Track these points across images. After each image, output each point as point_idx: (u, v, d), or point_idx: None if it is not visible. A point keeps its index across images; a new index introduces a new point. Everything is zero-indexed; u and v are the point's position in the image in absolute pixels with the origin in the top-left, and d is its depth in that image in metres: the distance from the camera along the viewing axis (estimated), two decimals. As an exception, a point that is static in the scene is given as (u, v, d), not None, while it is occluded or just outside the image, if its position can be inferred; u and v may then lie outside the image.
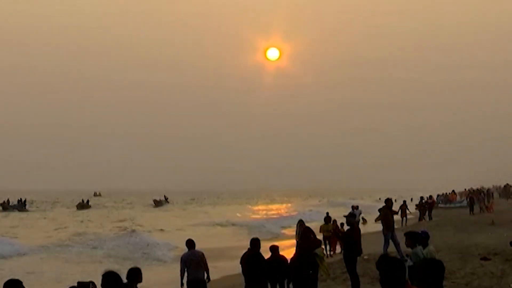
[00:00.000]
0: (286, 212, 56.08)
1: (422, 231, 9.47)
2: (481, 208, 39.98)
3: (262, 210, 66.89)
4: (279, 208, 70.88)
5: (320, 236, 19.12)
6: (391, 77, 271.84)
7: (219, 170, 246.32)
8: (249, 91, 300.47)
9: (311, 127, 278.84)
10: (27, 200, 70.19)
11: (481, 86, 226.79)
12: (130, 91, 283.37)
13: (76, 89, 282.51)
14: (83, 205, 71.35)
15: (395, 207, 18.95)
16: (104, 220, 47.61)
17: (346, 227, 14.48)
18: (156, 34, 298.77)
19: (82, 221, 46.87)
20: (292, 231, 23.43)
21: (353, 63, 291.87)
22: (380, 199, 65.24)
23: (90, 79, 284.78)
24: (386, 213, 15.92)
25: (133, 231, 30.93)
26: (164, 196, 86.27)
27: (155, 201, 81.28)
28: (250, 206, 78.93)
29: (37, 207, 74.75)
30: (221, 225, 40.14)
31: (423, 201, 37.02)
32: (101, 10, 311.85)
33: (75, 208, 69.52)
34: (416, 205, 38.65)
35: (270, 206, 78.90)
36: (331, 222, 19.45)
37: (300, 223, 15.29)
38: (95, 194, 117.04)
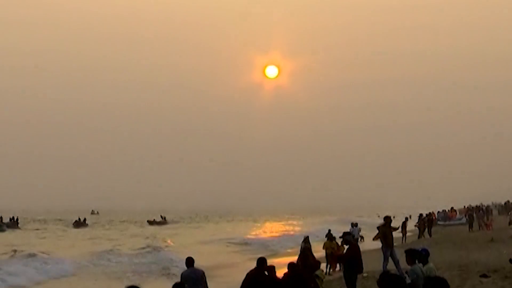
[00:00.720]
0: (296, 230, 55.75)
1: (422, 249, 9.54)
2: (480, 225, 40.01)
3: (271, 228, 66.92)
4: (289, 226, 70.74)
5: (321, 253, 19.26)
6: (390, 96, 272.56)
7: (218, 189, 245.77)
8: (248, 108, 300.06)
9: (312, 146, 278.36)
10: (19, 218, 69.10)
11: (482, 104, 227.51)
12: (129, 110, 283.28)
13: (72, 108, 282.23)
14: (79, 223, 70.75)
15: (396, 224, 18.94)
16: (121, 237, 47.67)
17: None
18: (153, 54, 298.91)
19: (91, 238, 46.63)
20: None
21: (353, 82, 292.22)
22: (379, 216, 65.37)
23: (86, 99, 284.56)
24: (384, 231, 16.00)
25: (157, 248, 31.33)
26: (161, 215, 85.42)
27: (149, 221, 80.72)
28: (258, 224, 79.00)
29: (30, 225, 73.81)
30: (233, 243, 39.69)
31: (423, 218, 37.05)
32: (98, 28, 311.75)
33: (71, 226, 68.91)
34: (418, 222, 38.72)
35: (279, 224, 78.75)
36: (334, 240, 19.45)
37: (305, 239, 15.25)
38: (92, 213, 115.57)
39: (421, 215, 38.00)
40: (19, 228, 63.86)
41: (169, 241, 38.57)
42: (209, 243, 39.29)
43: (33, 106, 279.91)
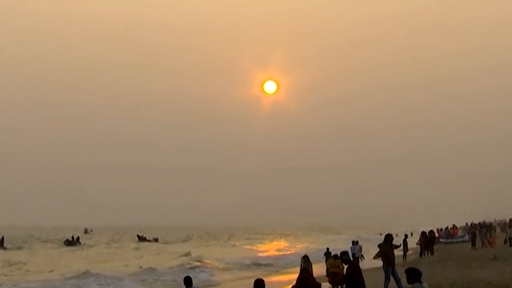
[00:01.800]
0: (306, 248, 55.38)
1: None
2: (483, 243, 39.84)
3: (278, 246, 66.64)
4: (299, 243, 70.49)
5: (319, 272, 19.07)
6: (390, 111, 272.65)
7: (216, 205, 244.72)
8: (245, 124, 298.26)
9: (310, 162, 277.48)
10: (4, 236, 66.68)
11: (485, 118, 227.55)
12: (124, 124, 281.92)
13: (63, 121, 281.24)
14: (71, 242, 69.39)
15: (398, 242, 18.81)
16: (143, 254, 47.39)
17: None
18: (150, 71, 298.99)
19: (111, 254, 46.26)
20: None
21: (352, 97, 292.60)
22: (381, 234, 65.24)
23: (81, 110, 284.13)
24: (385, 249, 15.90)
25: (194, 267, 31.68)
26: (153, 238, 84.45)
27: (139, 237, 79.93)
28: (267, 242, 78.73)
29: (15, 243, 71.12)
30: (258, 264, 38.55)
31: (425, 236, 36.87)
32: (94, 51, 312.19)
33: (62, 245, 67.68)
34: (419, 240, 38.51)
35: (282, 241, 78.47)
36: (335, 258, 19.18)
37: (305, 258, 14.99)
38: (86, 231, 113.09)
39: (423, 232, 37.83)
40: (4, 248, 61.20)
41: (207, 261, 38.12)
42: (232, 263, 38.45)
43: (26, 118, 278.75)
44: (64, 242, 70.01)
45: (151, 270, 30.68)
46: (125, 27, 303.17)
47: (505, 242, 37.94)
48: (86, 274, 27.78)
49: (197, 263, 35.22)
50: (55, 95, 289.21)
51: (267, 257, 45.08)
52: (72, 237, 72.12)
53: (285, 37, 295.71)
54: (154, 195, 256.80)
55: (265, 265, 37.16)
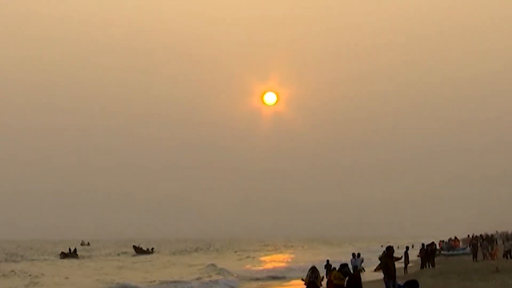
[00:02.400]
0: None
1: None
2: (484, 255, 39.73)
3: (283, 258, 66.50)
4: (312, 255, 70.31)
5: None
6: (391, 123, 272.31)
7: (216, 218, 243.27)
8: (245, 136, 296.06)
9: (312, 174, 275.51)
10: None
11: (489, 131, 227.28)
12: (122, 138, 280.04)
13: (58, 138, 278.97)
14: (67, 255, 68.49)
15: (399, 254, 18.76)
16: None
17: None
18: (148, 81, 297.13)
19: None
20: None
21: (355, 106, 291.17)
22: (382, 246, 65.08)
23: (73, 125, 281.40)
24: (386, 262, 15.90)
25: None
26: (147, 249, 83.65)
27: (136, 248, 79.44)
28: (272, 254, 78.60)
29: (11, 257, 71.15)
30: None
31: (426, 248, 36.80)
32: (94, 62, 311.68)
33: (56, 259, 66.71)
34: (420, 252, 38.43)
35: (286, 254, 78.19)
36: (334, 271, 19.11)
37: (312, 269, 14.85)
38: (82, 244, 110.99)
39: (423, 245, 37.77)
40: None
41: (233, 274, 38.06)
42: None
43: (20, 133, 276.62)
44: (60, 255, 68.93)
45: (180, 283, 30.65)
46: (123, 33, 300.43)
47: (504, 255, 37.91)
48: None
49: (227, 276, 35.13)
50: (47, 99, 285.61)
51: (288, 268, 45.43)
52: (69, 249, 71.49)
53: (284, 47, 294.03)
54: (149, 207, 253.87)
55: (290, 277, 37.27)
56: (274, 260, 62.46)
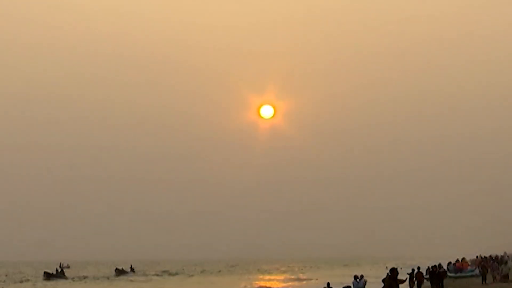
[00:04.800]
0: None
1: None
2: (494, 277, 39.30)
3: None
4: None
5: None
6: (393, 137, 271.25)
7: (210, 238, 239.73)
8: (240, 151, 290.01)
9: (312, 189, 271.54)
10: None
11: (498, 149, 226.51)
12: (115, 152, 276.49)
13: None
14: (51, 275, 66.86)
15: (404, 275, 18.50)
16: None
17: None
18: (143, 93, 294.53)
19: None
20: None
21: (353, 118, 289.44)
22: (387, 267, 64.65)
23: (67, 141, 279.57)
24: (390, 284, 15.68)
25: None
26: (131, 266, 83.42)
27: (117, 270, 78.62)
28: (269, 275, 77.97)
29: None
30: None
31: (432, 270, 36.33)
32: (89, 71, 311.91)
33: (39, 280, 65.66)
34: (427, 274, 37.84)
35: (290, 276, 77.49)
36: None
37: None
38: (61, 267, 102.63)
39: (431, 267, 37.22)
40: None
41: None
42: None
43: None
44: (44, 276, 67.17)
45: None
46: (115, 45, 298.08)
47: (504, 278, 37.66)
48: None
49: None
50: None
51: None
52: (56, 269, 70.26)
53: (283, 56, 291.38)
54: (136, 224, 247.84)
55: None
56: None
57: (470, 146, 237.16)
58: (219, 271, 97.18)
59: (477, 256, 66.61)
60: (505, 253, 79.19)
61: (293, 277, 73.20)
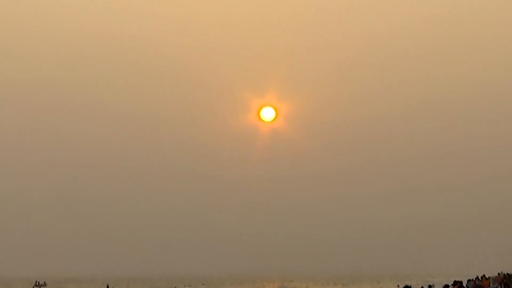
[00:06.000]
0: None
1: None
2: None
3: None
4: None
5: None
6: (399, 144, 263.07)
7: (213, 246, 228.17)
8: (238, 157, 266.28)
9: (313, 197, 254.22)
10: None
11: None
12: (110, 162, 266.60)
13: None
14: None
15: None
16: None
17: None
18: (140, 95, 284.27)
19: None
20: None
21: (365, 123, 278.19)
22: (398, 286, 62.92)
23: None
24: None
25: None
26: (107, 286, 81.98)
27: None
28: None
29: None
30: None
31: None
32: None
33: None
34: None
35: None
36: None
37: None
38: (37, 285, 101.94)
39: (446, 286, 34.57)
40: None
41: None
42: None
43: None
44: None
45: None
46: (117, 42, 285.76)
47: None
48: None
49: None
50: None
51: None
52: (37, 282, 69.46)
53: (285, 54, 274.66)
54: (140, 234, 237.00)
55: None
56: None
57: (485, 157, 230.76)
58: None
59: (498, 273, 63.48)
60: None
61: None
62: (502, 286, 42.86)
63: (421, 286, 33.11)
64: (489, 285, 51.29)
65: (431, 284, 45.56)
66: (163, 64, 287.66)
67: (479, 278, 54.58)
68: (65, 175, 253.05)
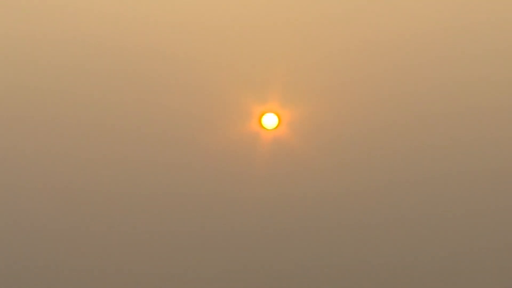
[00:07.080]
0: None
1: None
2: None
3: None
4: None
5: None
6: (405, 151, 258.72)
7: (212, 262, 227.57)
8: (237, 169, 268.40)
9: (320, 210, 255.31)
10: None
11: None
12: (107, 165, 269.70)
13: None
14: None
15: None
16: None
17: None
18: (136, 101, 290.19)
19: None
20: None
21: (368, 131, 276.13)
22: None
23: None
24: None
25: None
26: None
27: None
28: None
29: None
30: None
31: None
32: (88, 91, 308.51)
33: None
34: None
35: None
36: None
37: None
38: None
39: None
40: None
41: None
42: None
43: None
44: None
45: None
46: (110, 49, 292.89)
47: None
48: None
49: None
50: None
51: None
52: None
53: (289, 54, 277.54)
54: (139, 255, 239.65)
55: None
56: None
57: (496, 154, 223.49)
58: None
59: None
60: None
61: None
62: None
63: None
64: None
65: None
66: (158, 70, 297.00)
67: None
68: (65, 175, 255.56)
